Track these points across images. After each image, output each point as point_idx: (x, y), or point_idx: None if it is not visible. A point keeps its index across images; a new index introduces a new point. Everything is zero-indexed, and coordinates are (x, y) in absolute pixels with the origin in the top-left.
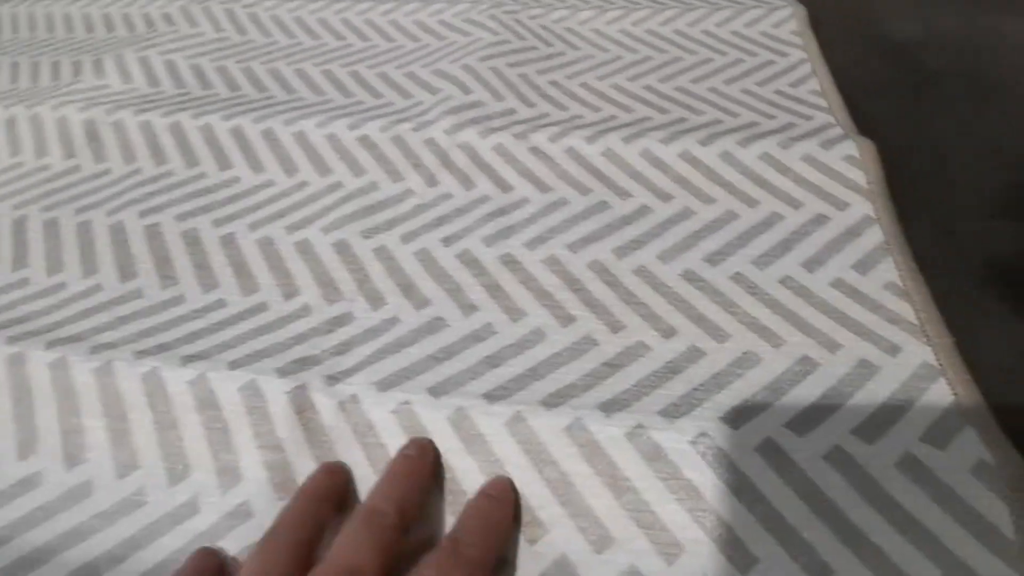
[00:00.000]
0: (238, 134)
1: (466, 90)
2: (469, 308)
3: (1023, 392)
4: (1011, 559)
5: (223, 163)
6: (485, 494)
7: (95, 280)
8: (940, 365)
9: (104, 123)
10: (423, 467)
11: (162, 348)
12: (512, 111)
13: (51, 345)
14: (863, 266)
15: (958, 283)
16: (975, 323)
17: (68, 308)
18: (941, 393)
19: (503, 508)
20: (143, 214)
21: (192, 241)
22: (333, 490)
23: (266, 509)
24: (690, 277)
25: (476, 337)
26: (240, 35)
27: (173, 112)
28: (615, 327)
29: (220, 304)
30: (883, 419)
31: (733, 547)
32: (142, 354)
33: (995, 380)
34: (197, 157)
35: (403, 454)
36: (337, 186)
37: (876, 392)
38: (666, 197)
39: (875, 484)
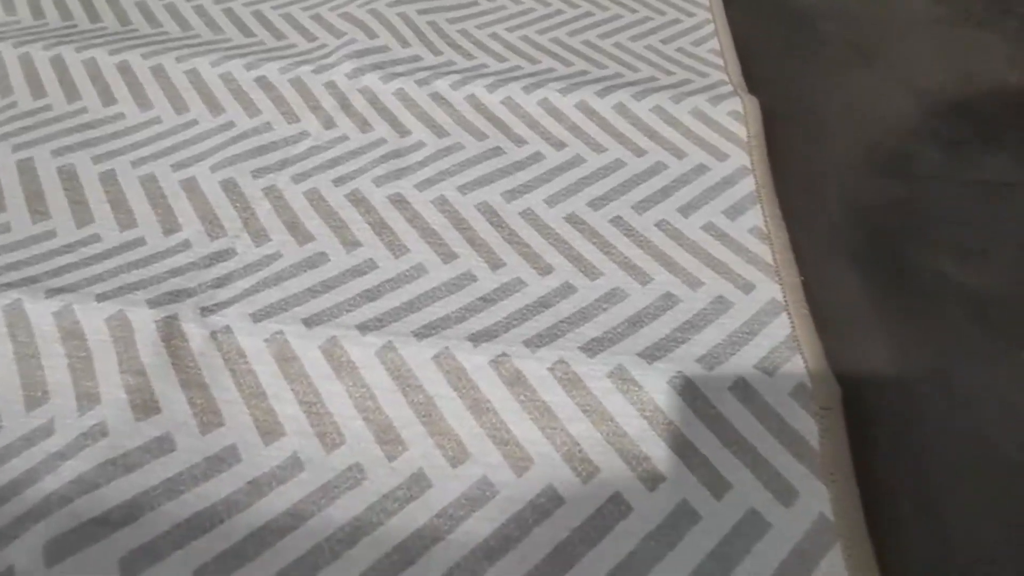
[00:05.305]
0: (125, 70)
1: (372, 35)
2: (353, 244)
3: (861, 329)
4: (815, 467)
5: (107, 99)
6: None
7: None
8: (785, 301)
9: None
10: None
11: (27, 281)
12: (417, 58)
13: None
14: (733, 211)
15: (818, 231)
16: (827, 268)
17: None
18: (781, 326)
19: None
20: (16, 148)
21: (68, 177)
22: None
23: (123, 429)
24: (573, 220)
25: (357, 272)
26: None
27: (55, 45)
28: (495, 264)
29: (94, 239)
30: (726, 350)
31: (579, 460)
32: (5, 287)
33: (836, 319)
34: (79, 92)
35: None
36: (229, 125)
37: (725, 326)
38: (559, 145)
39: (708, 404)
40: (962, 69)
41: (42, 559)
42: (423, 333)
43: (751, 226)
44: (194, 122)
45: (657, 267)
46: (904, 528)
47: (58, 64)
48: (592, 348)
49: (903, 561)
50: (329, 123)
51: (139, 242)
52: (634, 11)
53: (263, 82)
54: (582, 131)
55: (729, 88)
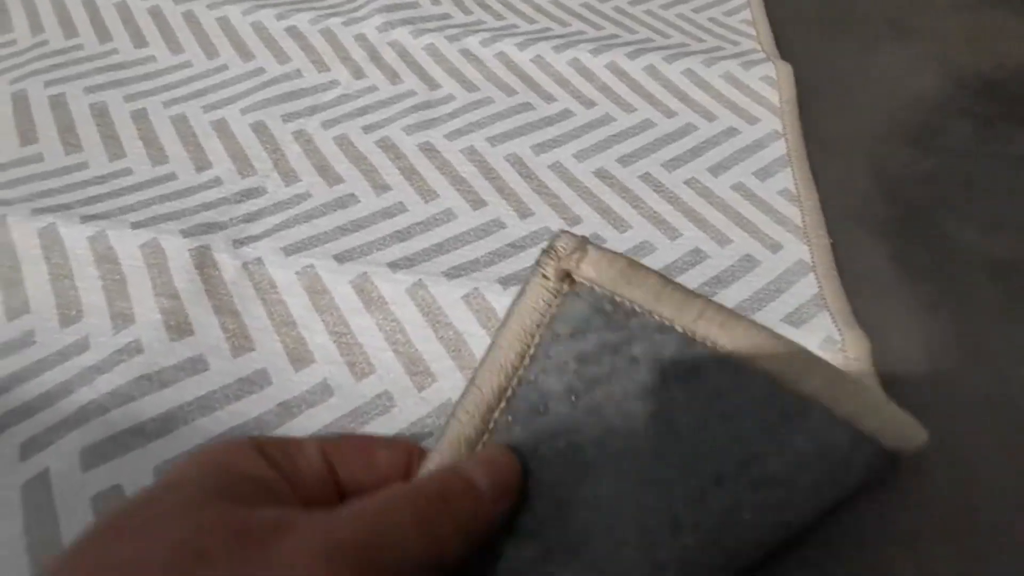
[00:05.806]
0: (156, 14)
1: None
2: (382, 188)
3: (888, 297)
4: None
5: (138, 41)
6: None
7: None
8: (813, 263)
9: None
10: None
11: (61, 207)
12: (447, 15)
13: None
14: (764, 173)
15: (846, 200)
16: (854, 236)
17: None
18: (808, 285)
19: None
20: (48, 84)
21: (100, 113)
22: None
23: (157, 348)
24: (602, 175)
25: (387, 214)
26: None
27: None
28: (524, 213)
29: (126, 172)
30: (753, 305)
31: None
32: (40, 211)
33: (862, 286)
34: (110, 33)
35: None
36: (259, 71)
37: (752, 283)
38: (589, 104)
39: None
40: (995, 49)
41: (79, 464)
42: (453, 274)
43: (781, 188)
44: (224, 67)
45: (686, 223)
46: (932, 492)
47: (90, 5)
48: None
49: (930, 525)
50: (359, 73)
51: (171, 176)
52: None
53: (293, 31)
54: (612, 91)
55: (762, 55)
